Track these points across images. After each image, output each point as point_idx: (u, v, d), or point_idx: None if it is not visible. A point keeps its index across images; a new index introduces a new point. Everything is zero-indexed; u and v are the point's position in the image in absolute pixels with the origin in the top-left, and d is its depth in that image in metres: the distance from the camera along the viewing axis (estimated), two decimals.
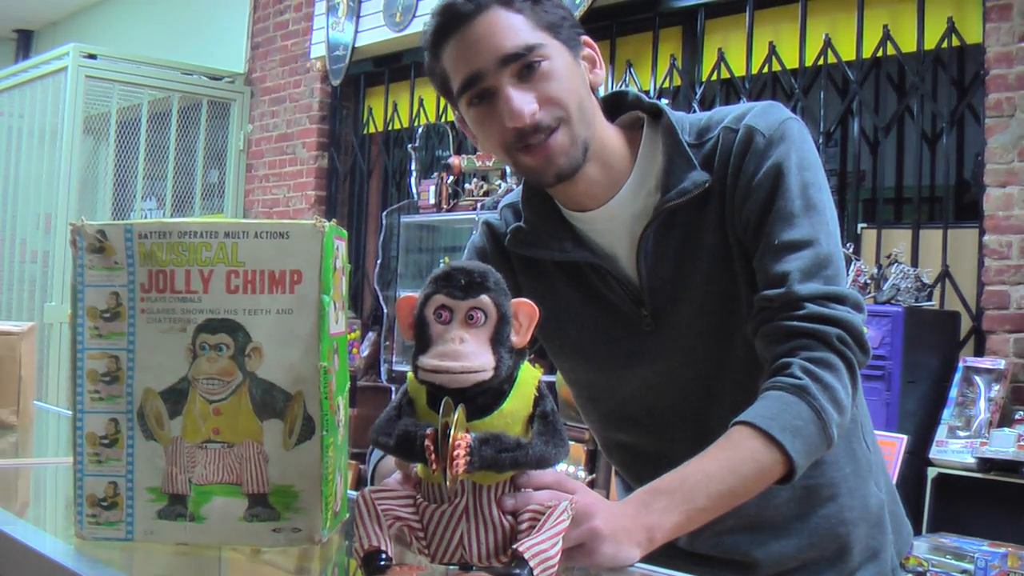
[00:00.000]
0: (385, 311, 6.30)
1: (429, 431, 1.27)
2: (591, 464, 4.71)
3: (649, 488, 1.58)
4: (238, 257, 1.43)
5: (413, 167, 6.11)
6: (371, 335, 6.60)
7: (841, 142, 4.95)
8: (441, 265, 4.38)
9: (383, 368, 6.13)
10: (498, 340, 1.30)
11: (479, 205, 5.36)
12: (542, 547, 1.27)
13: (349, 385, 1.60)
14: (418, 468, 1.35)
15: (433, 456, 1.26)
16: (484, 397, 1.30)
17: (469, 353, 1.27)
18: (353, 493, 1.39)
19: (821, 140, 4.77)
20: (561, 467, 4.60)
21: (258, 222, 1.45)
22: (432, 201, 5.75)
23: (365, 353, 6.46)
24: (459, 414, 1.26)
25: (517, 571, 1.25)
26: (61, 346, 7.14)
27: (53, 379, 7.20)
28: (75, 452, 1.47)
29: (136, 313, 1.45)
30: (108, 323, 1.45)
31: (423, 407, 1.33)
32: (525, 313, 1.33)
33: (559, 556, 1.29)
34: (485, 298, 1.30)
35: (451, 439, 1.23)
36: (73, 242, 1.46)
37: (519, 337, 1.33)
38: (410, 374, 1.33)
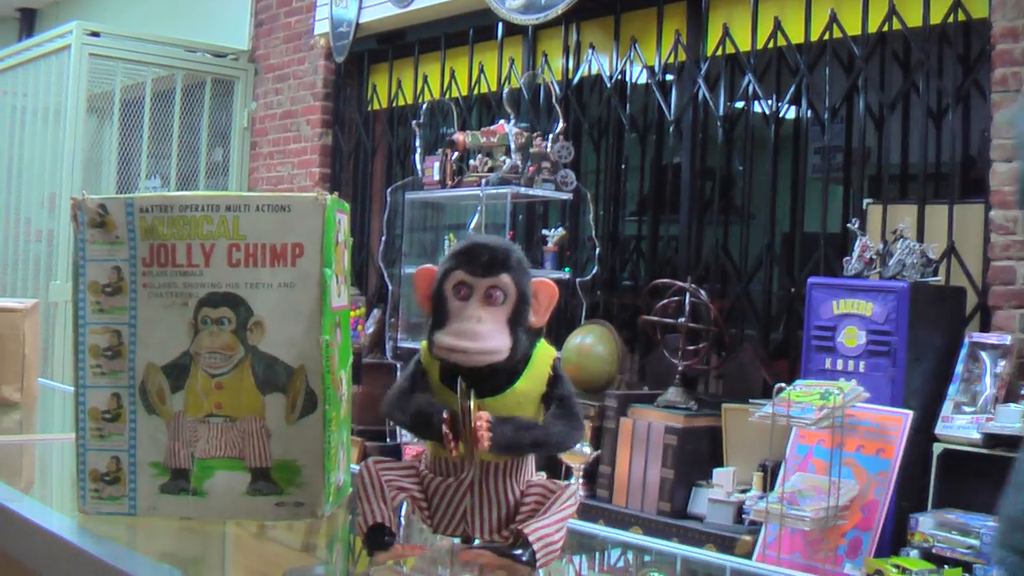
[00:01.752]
0: (390, 288, 6.29)
1: (446, 414, 1.26)
2: (596, 440, 4.71)
3: None
4: (239, 231, 1.43)
5: (417, 144, 6.08)
6: (376, 312, 6.59)
7: (846, 118, 4.92)
8: (447, 245, 4.36)
9: (388, 345, 6.13)
10: (516, 320, 1.29)
11: (483, 182, 5.35)
12: (546, 531, 1.27)
13: (353, 361, 1.60)
14: (427, 443, 1.34)
15: (451, 440, 1.25)
16: (497, 376, 1.29)
17: (486, 333, 1.27)
18: (357, 468, 1.39)
19: (826, 116, 4.76)
20: None
21: (259, 195, 1.45)
22: (436, 178, 5.73)
23: (370, 330, 6.46)
24: (474, 399, 1.25)
25: (519, 552, 1.25)
26: (66, 325, 7.14)
27: (58, 358, 7.21)
28: (77, 427, 1.46)
29: (138, 288, 1.44)
30: (109, 298, 1.45)
31: (436, 381, 1.32)
32: (545, 293, 1.32)
33: (562, 543, 1.28)
34: (505, 277, 1.28)
35: (472, 419, 1.23)
36: (74, 217, 1.46)
37: (538, 317, 1.32)
38: (424, 344, 1.32)
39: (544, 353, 1.33)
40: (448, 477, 1.32)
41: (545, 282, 1.33)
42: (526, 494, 1.32)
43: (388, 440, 5.86)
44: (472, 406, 1.23)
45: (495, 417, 1.25)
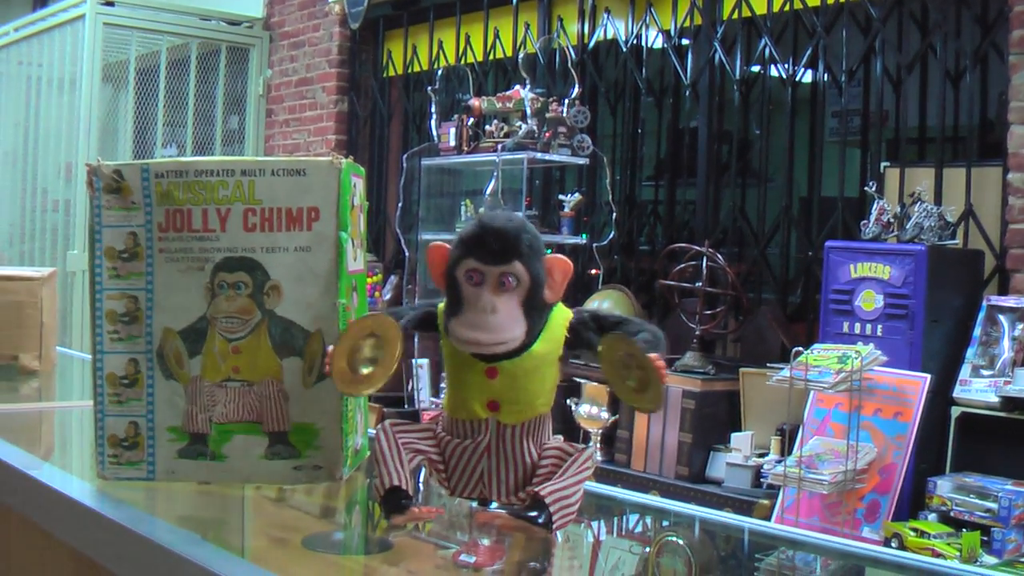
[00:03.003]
0: (407, 255, 6.29)
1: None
2: (614, 406, 4.71)
3: None
4: (255, 195, 1.43)
5: (433, 110, 6.07)
6: (393, 278, 6.60)
7: (864, 81, 4.89)
8: (463, 211, 4.32)
9: None
10: (531, 304, 1.29)
11: (499, 147, 5.33)
12: (563, 493, 1.27)
13: None
14: (443, 402, 1.35)
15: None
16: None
17: (500, 324, 1.27)
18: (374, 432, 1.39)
19: (843, 79, 4.73)
20: (584, 407, 4.60)
21: (275, 159, 1.44)
22: (452, 144, 5.72)
23: (387, 297, 6.47)
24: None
25: (535, 514, 1.25)
26: (84, 294, 7.16)
27: (76, 328, 7.23)
28: (95, 393, 1.47)
29: (154, 253, 1.44)
30: (126, 263, 1.45)
31: (446, 341, 1.33)
32: (559, 270, 1.32)
33: (579, 504, 1.28)
34: (517, 265, 1.28)
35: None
36: (90, 183, 1.46)
37: (552, 293, 1.32)
38: (440, 308, 1.33)
39: (560, 315, 1.33)
40: (465, 439, 1.32)
41: (559, 259, 1.32)
42: (543, 456, 1.32)
43: (406, 406, 5.88)
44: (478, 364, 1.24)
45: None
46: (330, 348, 1.30)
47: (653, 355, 1.23)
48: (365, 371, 1.31)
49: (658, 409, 1.27)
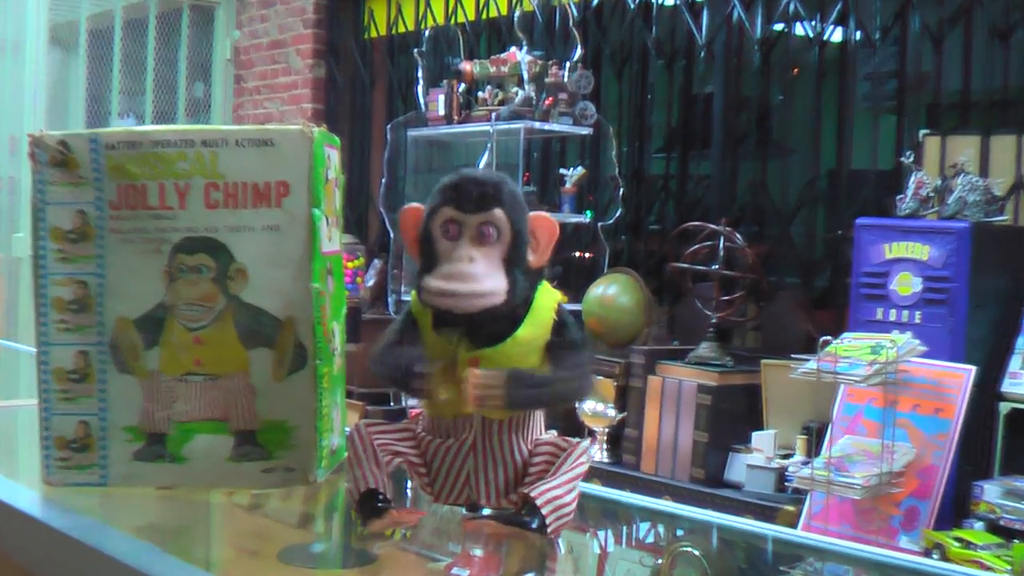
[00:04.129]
0: (392, 236, 6.29)
1: (437, 366, 1.26)
2: (621, 401, 4.71)
3: None
4: (218, 168, 1.42)
5: (420, 76, 6.06)
6: (377, 263, 6.59)
7: (900, 39, 4.88)
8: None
9: (390, 300, 6.14)
10: (512, 260, 1.28)
11: (494, 116, 5.33)
12: (556, 493, 1.26)
13: (350, 315, 1.59)
14: (422, 402, 1.34)
15: (441, 392, 1.25)
16: (496, 323, 1.29)
17: (479, 275, 1.26)
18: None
19: (877, 37, 4.72)
20: (588, 404, 4.61)
21: (239, 128, 1.44)
22: (442, 112, 5.71)
23: (370, 283, 6.46)
24: (463, 345, 1.25)
25: (527, 518, 1.25)
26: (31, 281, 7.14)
27: (24, 319, 7.22)
28: (41, 390, 1.46)
29: (106, 233, 1.44)
30: (74, 245, 1.44)
31: (428, 331, 1.32)
32: (543, 229, 1.32)
33: (575, 504, 1.28)
34: (498, 212, 1.28)
35: (460, 369, 1.23)
36: (32, 155, 1.45)
37: (536, 256, 1.31)
38: (414, 294, 1.32)
39: (547, 297, 1.33)
40: (448, 438, 1.32)
41: (543, 216, 1.32)
42: (534, 454, 1.31)
43: (392, 404, 5.88)
44: (461, 355, 1.23)
45: (492, 372, 1.25)
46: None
47: (478, 373, 1.23)
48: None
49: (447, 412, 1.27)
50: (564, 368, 1.30)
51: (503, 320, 1.29)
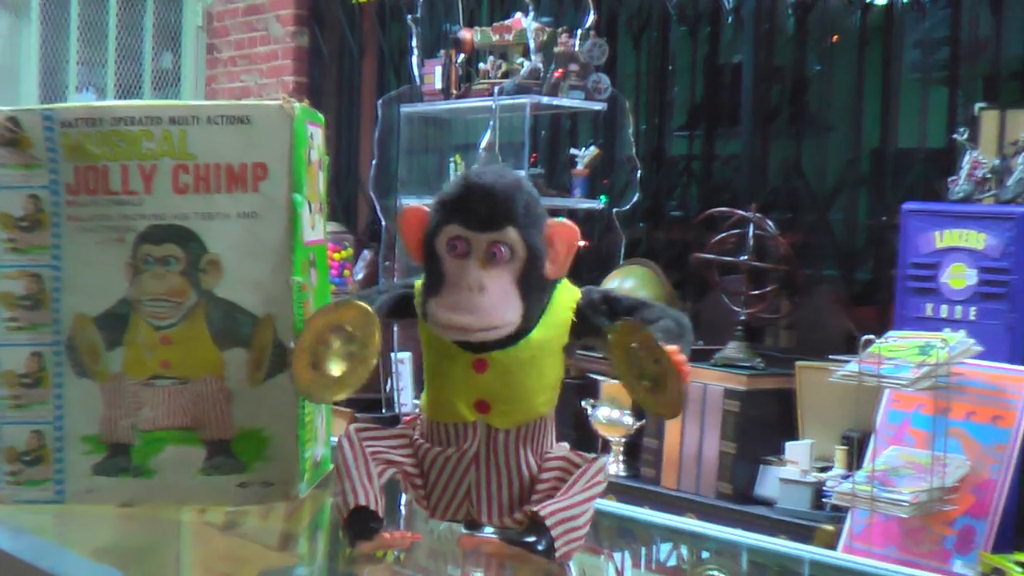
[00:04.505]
0: (384, 224, 6.29)
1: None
2: (639, 408, 4.71)
3: None
4: (187, 148, 1.43)
5: (414, 45, 6.06)
6: (367, 254, 6.60)
7: (953, 1, 4.88)
8: (452, 170, 4.33)
9: None
10: (528, 281, 1.28)
11: (496, 90, 5.32)
12: (568, 513, 1.26)
13: None
14: (422, 402, 1.34)
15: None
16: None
17: (489, 306, 1.26)
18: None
19: (928, 0, 4.71)
20: (603, 411, 4.61)
21: (212, 104, 1.44)
22: (439, 86, 5.71)
23: (359, 276, 6.47)
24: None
25: (534, 539, 1.25)
26: None
27: None
28: None
29: (62, 221, 1.44)
30: (26, 234, 1.45)
31: (426, 326, 1.32)
32: (562, 239, 1.32)
33: (587, 527, 1.28)
34: (511, 232, 1.28)
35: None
36: None
37: (555, 268, 1.31)
38: (419, 284, 1.33)
39: (565, 296, 1.33)
40: (448, 447, 1.32)
41: (562, 225, 1.32)
42: (544, 468, 1.31)
43: (384, 410, 5.88)
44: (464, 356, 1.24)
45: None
46: (291, 345, 1.30)
47: (672, 348, 1.23)
48: (336, 371, 1.31)
49: (676, 414, 1.26)
50: (657, 312, 1.32)
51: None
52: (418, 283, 1.33)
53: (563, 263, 1.31)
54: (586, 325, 1.33)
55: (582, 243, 5.26)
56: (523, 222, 1.28)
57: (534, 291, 1.28)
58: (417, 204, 1.33)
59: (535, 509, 1.26)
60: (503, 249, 1.27)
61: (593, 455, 1.32)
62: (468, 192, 1.28)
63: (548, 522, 1.25)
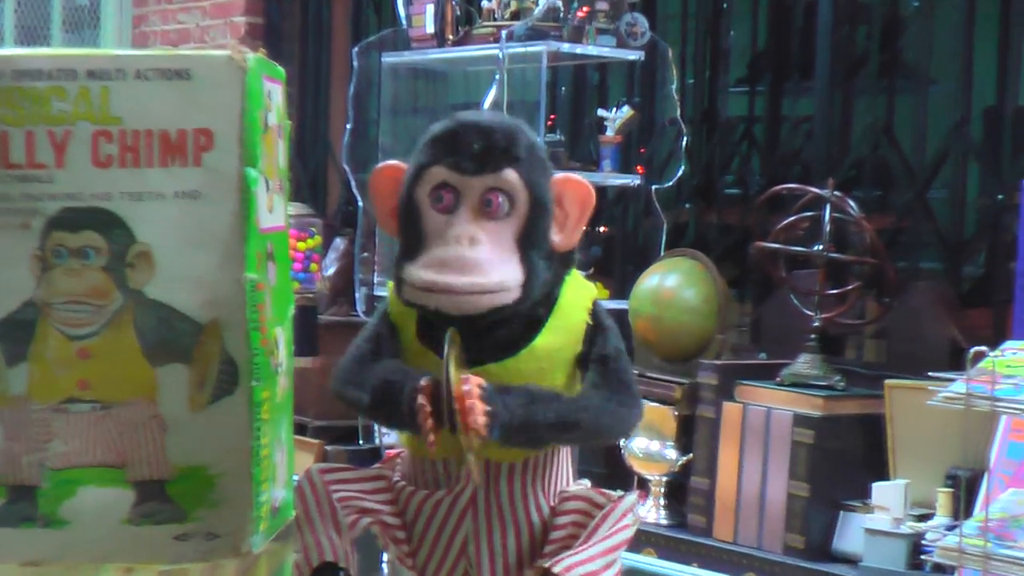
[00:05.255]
0: (360, 204, 6.30)
1: (424, 382, 1.26)
2: (685, 439, 4.72)
3: None
4: (111, 111, 1.43)
5: None
6: (339, 242, 6.61)
7: None
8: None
9: (359, 294, 6.16)
10: (530, 241, 1.29)
11: (504, 35, 5.32)
12: (589, 568, 1.27)
13: (296, 313, 1.60)
14: (401, 437, 1.35)
15: (430, 420, 1.25)
16: (508, 327, 1.29)
17: (483, 262, 1.26)
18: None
19: None
20: (640, 442, 4.63)
21: (141, 53, 1.45)
22: (431, 30, 5.72)
23: (331, 271, 6.48)
24: (456, 357, 1.25)
25: None
26: None
27: None
28: None
29: None
30: None
31: (411, 340, 1.32)
32: (574, 196, 1.32)
33: None
34: (511, 174, 1.28)
35: (455, 388, 1.23)
36: None
37: (564, 235, 1.31)
38: (391, 286, 1.33)
39: (579, 293, 1.33)
40: (437, 490, 1.32)
41: (572, 179, 1.32)
42: (559, 512, 1.32)
43: (361, 441, 5.89)
44: (453, 368, 1.23)
45: (493, 385, 1.25)
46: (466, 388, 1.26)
47: (471, 378, 1.24)
48: None
49: (475, 482, 1.27)
50: (600, 390, 1.31)
51: (516, 323, 1.29)
52: (390, 285, 1.33)
53: (574, 228, 1.31)
54: (598, 335, 1.33)
55: (602, 228, 5.32)
56: (526, 164, 1.28)
57: (538, 255, 1.28)
58: (396, 162, 1.32)
59: (547, 565, 1.27)
60: (500, 198, 1.27)
61: (619, 492, 1.33)
62: (458, 127, 1.28)
63: None
